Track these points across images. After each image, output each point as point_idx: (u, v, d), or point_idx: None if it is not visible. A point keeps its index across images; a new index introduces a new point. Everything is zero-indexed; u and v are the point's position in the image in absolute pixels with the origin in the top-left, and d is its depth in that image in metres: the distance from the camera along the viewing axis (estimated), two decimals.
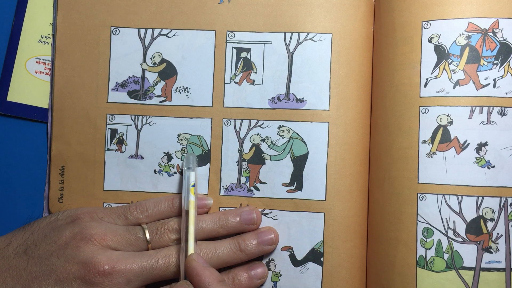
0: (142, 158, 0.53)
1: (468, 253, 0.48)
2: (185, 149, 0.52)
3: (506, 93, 0.48)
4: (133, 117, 0.53)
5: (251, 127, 0.52)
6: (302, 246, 0.52)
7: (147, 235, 0.48)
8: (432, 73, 0.49)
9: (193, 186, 0.49)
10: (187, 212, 0.48)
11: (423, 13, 0.49)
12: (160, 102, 0.53)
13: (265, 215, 0.52)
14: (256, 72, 0.52)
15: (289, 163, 0.52)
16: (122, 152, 0.53)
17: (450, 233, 0.48)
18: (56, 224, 0.48)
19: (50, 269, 0.46)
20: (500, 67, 0.48)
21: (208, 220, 0.50)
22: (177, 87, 0.53)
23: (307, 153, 0.52)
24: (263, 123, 0.52)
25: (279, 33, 0.52)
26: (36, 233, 0.47)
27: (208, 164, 0.53)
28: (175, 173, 0.53)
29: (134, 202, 0.52)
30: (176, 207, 0.50)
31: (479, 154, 0.48)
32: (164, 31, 0.53)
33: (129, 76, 0.53)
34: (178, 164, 0.53)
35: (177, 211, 0.50)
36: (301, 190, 0.52)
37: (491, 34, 0.48)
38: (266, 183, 0.52)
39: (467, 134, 0.48)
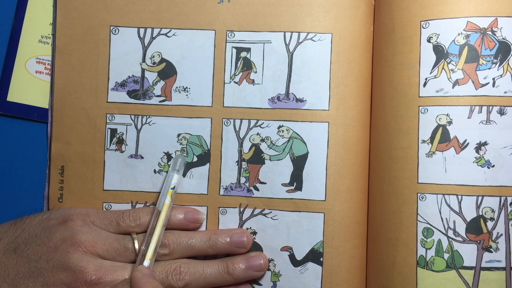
0: (142, 158, 0.53)
1: (468, 252, 0.48)
2: (185, 149, 0.53)
3: (505, 92, 0.48)
4: (132, 116, 0.53)
5: (250, 127, 0.52)
6: (301, 246, 0.52)
7: (136, 247, 0.48)
8: (431, 72, 0.49)
9: (173, 188, 0.49)
10: (159, 213, 0.48)
11: (422, 12, 0.49)
12: (160, 102, 0.53)
13: (264, 215, 0.52)
14: (256, 72, 0.52)
15: (288, 163, 0.52)
16: (122, 151, 0.53)
17: (450, 233, 0.48)
18: (47, 223, 0.48)
19: (38, 271, 0.46)
20: (499, 66, 0.48)
21: (198, 238, 0.50)
22: (176, 87, 0.53)
23: (307, 153, 0.52)
24: (263, 123, 0.52)
25: (279, 33, 0.52)
26: (27, 231, 0.47)
27: (208, 164, 0.53)
28: None
29: (129, 209, 0.52)
30: (169, 219, 0.50)
31: (478, 154, 0.48)
32: (164, 31, 0.53)
33: (129, 76, 0.53)
34: None
35: (170, 223, 0.50)
36: (301, 190, 0.52)
37: (490, 33, 0.48)
38: (265, 183, 0.52)
39: (466, 133, 0.48)
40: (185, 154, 0.52)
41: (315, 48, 0.52)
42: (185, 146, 0.53)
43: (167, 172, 0.52)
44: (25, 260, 0.46)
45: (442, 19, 0.49)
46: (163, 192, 0.50)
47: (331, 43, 0.52)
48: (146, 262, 0.47)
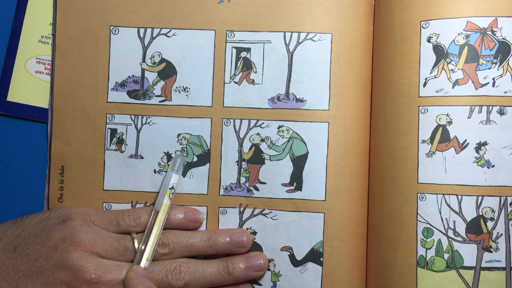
0: (142, 157, 0.53)
1: (468, 252, 0.48)
2: (185, 149, 0.53)
3: (505, 92, 0.48)
4: (132, 116, 0.53)
5: (250, 127, 0.52)
6: (301, 246, 0.52)
7: (136, 246, 0.48)
8: (431, 72, 0.49)
9: (171, 188, 0.49)
10: (157, 213, 0.48)
11: (422, 12, 0.49)
12: (160, 102, 0.53)
13: (264, 215, 0.52)
14: (256, 72, 0.52)
15: (288, 163, 0.52)
16: (122, 151, 0.53)
17: (450, 233, 0.48)
18: (47, 223, 0.48)
19: (38, 270, 0.46)
20: (499, 66, 0.48)
21: (198, 238, 0.50)
22: (176, 87, 0.53)
23: (307, 153, 0.52)
24: (263, 123, 0.52)
25: (279, 33, 0.52)
26: (27, 230, 0.47)
27: (208, 164, 0.53)
28: None
29: (129, 208, 0.52)
30: (169, 219, 0.50)
31: (478, 154, 0.48)
32: (164, 31, 0.53)
33: (129, 76, 0.53)
34: None
35: (169, 223, 0.50)
36: (301, 190, 0.52)
37: (490, 33, 0.48)
38: (265, 183, 0.52)
39: (466, 133, 0.48)
40: (185, 154, 0.53)
41: (315, 48, 0.52)
42: (185, 146, 0.53)
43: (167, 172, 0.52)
44: (25, 259, 0.46)
45: (442, 19, 0.49)
46: (161, 192, 0.50)
47: (331, 43, 0.52)
48: (143, 263, 0.47)
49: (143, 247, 0.47)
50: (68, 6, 0.53)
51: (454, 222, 0.48)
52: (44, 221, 0.48)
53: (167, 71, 0.53)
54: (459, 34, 0.49)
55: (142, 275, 0.45)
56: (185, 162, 0.52)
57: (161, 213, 0.49)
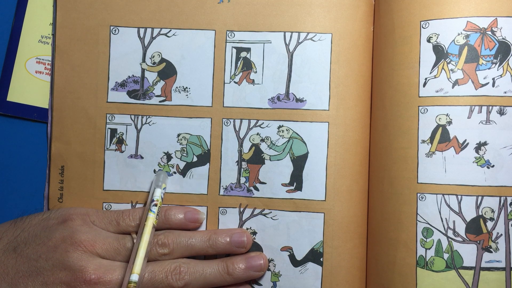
0: (142, 157, 0.53)
1: (468, 252, 0.48)
2: (185, 149, 0.53)
3: (505, 92, 0.48)
4: (132, 116, 0.53)
5: (250, 127, 0.52)
6: (301, 246, 0.52)
7: None
8: (431, 72, 0.49)
9: (155, 206, 0.49)
10: (144, 227, 0.48)
11: (422, 12, 0.49)
12: (160, 102, 0.53)
13: (264, 215, 0.52)
14: (256, 72, 0.52)
15: (288, 163, 0.52)
16: (122, 151, 0.53)
17: (450, 233, 0.48)
18: (47, 223, 0.48)
19: (38, 270, 0.46)
20: (499, 66, 0.48)
21: (198, 238, 0.50)
22: (176, 87, 0.53)
23: (307, 153, 0.52)
24: (263, 123, 0.52)
25: (279, 33, 0.52)
26: (27, 230, 0.47)
27: (208, 164, 0.53)
28: (174, 173, 0.53)
29: (129, 208, 0.52)
30: (169, 219, 0.50)
31: (478, 154, 0.48)
32: (164, 31, 0.53)
33: (129, 76, 0.53)
34: (177, 164, 0.53)
35: (169, 223, 0.50)
36: (301, 190, 0.52)
37: (489, 33, 0.48)
38: (265, 183, 0.52)
39: (466, 133, 0.48)
40: (184, 154, 0.53)
41: (315, 48, 0.52)
42: (185, 146, 0.53)
43: (167, 172, 0.52)
44: (24, 259, 0.46)
45: (442, 19, 0.49)
46: (147, 207, 0.49)
47: (331, 43, 0.52)
48: (134, 276, 0.45)
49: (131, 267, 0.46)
50: (68, 6, 0.53)
51: (453, 222, 0.48)
52: (44, 222, 0.48)
53: (167, 71, 0.53)
54: (459, 34, 0.49)
55: None
56: (168, 177, 0.52)
57: (148, 227, 0.48)
